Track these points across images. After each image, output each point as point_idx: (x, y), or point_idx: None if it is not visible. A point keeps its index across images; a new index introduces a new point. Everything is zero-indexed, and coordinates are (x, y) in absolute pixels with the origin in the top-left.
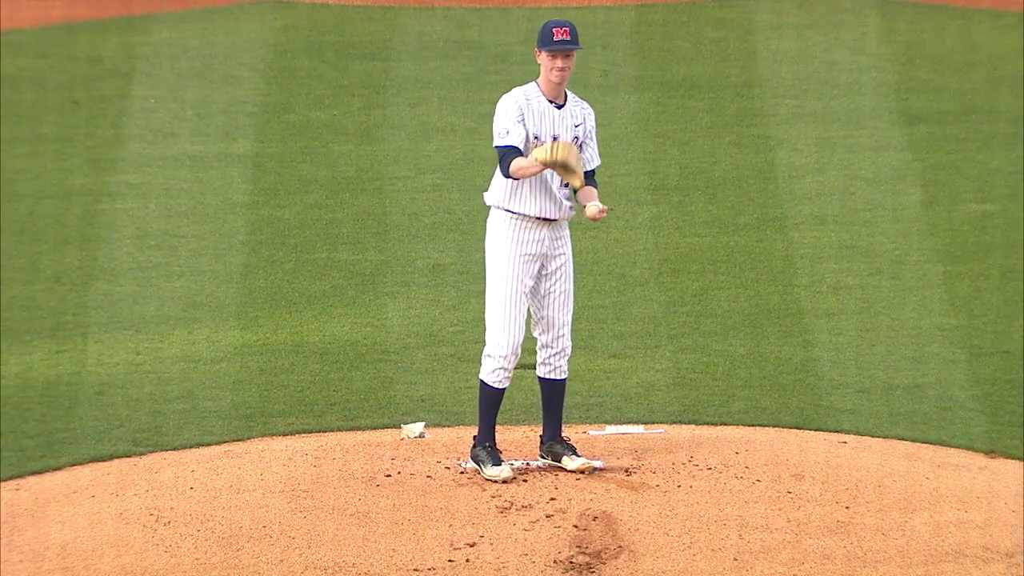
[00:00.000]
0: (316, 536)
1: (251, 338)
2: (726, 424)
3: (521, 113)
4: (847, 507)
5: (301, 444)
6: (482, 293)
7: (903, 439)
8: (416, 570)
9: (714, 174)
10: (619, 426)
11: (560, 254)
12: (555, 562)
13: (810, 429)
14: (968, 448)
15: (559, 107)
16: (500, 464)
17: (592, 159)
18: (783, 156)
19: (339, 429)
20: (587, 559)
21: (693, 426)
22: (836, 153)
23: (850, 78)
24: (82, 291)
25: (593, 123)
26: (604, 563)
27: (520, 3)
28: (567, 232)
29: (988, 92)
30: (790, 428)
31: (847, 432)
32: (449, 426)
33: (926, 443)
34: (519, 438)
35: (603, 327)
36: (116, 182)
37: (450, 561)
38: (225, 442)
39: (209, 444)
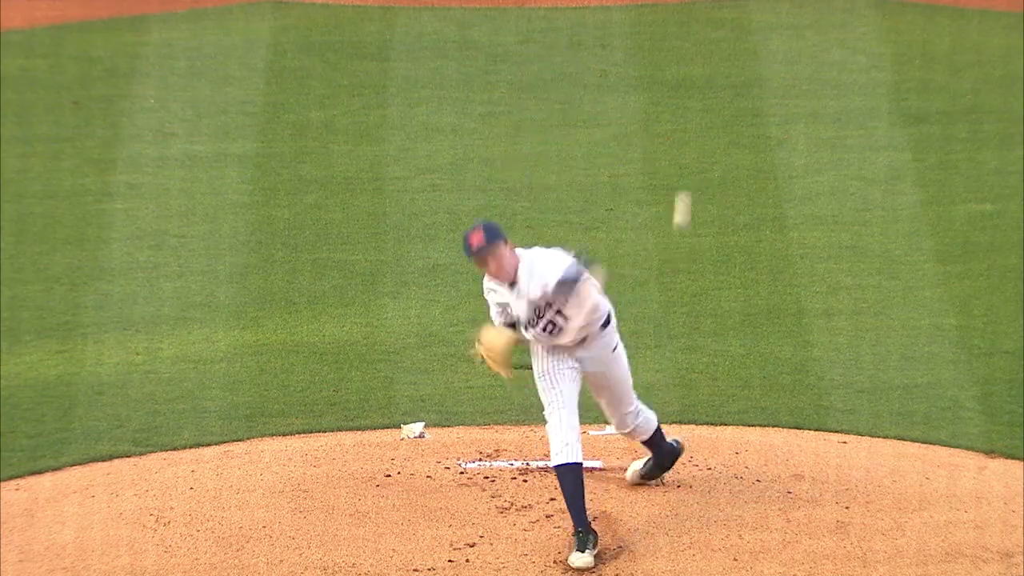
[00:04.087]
0: (316, 536)
1: (250, 338)
2: (725, 424)
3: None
4: (846, 507)
5: (301, 444)
6: (479, 295)
7: (902, 439)
8: (416, 570)
9: (713, 174)
10: None
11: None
12: (555, 562)
13: (809, 429)
14: (967, 448)
15: (512, 285)
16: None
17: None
18: (782, 156)
19: (339, 429)
20: None
21: (692, 426)
22: (835, 153)
23: (849, 78)
24: (81, 291)
25: (551, 281)
26: (604, 563)
27: (519, 3)
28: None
29: (987, 92)
30: (789, 428)
31: (846, 432)
32: (448, 426)
33: (925, 443)
34: (518, 438)
35: None
36: (115, 182)
37: (450, 561)
38: (224, 442)
39: (208, 444)
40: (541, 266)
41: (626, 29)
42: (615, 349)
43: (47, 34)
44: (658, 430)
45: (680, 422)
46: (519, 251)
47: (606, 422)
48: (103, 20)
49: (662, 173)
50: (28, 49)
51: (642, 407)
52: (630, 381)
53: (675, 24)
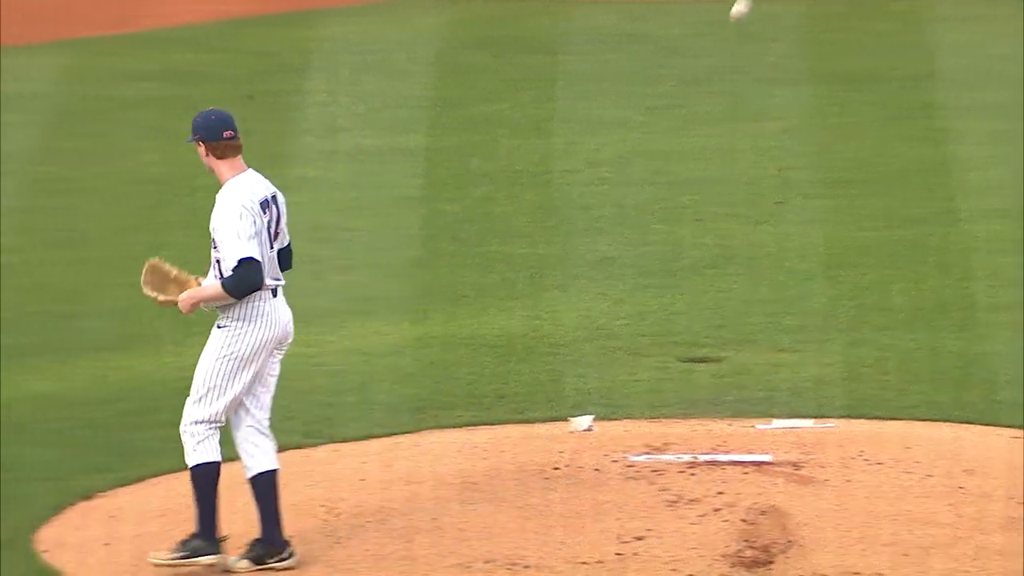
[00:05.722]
0: (486, 528)
1: (421, 331)
2: (897, 419)
3: None
4: (1019, 503)
5: (468, 437)
6: (653, 287)
7: None
8: (583, 563)
9: (886, 167)
10: (788, 420)
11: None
12: (723, 556)
13: (980, 424)
14: None
15: None
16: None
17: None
18: (956, 149)
19: (508, 422)
20: (755, 553)
21: (863, 420)
22: (1011, 146)
23: (1022, 70)
24: None
25: (216, 216)
26: (773, 557)
27: None
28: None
29: None
30: (963, 423)
31: (1018, 428)
32: (617, 419)
33: None
34: (686, 431)
35: (773, 321)
36: (289, 176)
37: (617, 554)
38: (396, 434)
39: (380, 436)
40: (218, 214)
41: (796, 22)
42: (219, 344)
43: (223, 29)
44: (262, 487)
45: (849, 416)
46: (243, 173)
47: (775, 416)
48: (278, 15)
49: (831, 166)
50: (204, 44)
51: (198, 430)
52: (212, 377)
53: (845, 17)
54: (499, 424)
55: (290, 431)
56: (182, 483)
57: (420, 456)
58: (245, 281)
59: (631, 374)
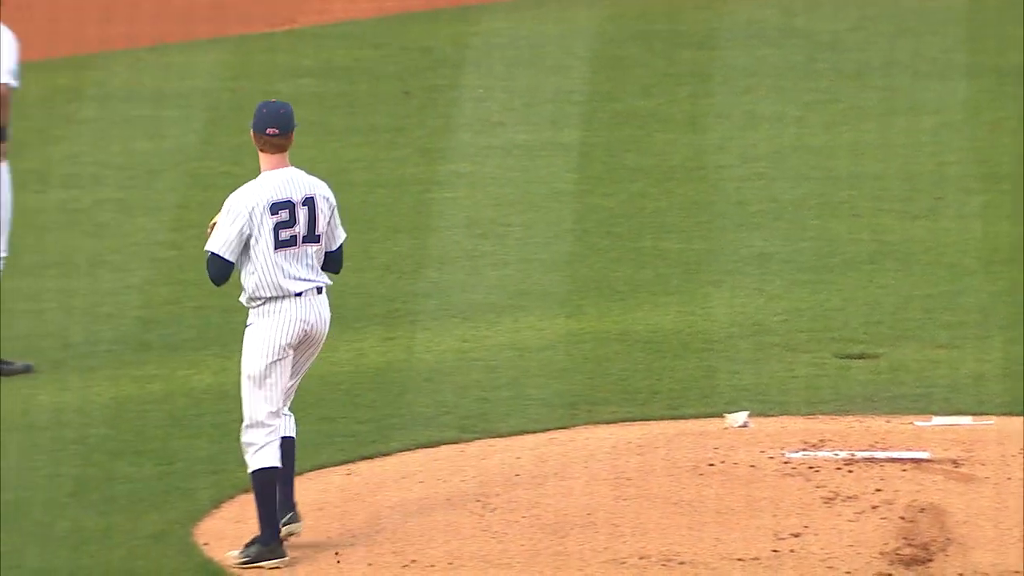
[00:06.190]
0: (640, 525)
1: (576, 326)
2: None
3: None
4: None
5: (622, 432)
6: (808, 283)
7: None
8: (739, 560)
9: None
10: (947, 417)
11: None
12: (881, 554)
13: None
14: None
15: None
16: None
17: None
18: None
19: (663, 418)
20: (914, 551)
21: (1022, 418)
22: None
23: None
24: (412, 279)
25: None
26: (932, 555)
27: None
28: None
29: None
30: None
31: None
32: (773, 415)
33: None
34: (843, 428)
35: (932, 317)
36: (446, 171)
37: (774, 551)
38: (550, 430)
39: (535, 431)
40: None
41: (959, 15)
42: (248, 342)
43: (381, 25)
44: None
45: (1009, 414)
46: (276, 170)
47: (934, 413)
48: (436, 11)
49: (990, 161)
50: (363, 40)
51: (255, 436)
52: (244, 379)
53: (1012, 9)
54: (652, 420)
55: (445, 426)
56: (339, 477)
57: (573, 451)
58: (209, 269)
59: (787, 370)
